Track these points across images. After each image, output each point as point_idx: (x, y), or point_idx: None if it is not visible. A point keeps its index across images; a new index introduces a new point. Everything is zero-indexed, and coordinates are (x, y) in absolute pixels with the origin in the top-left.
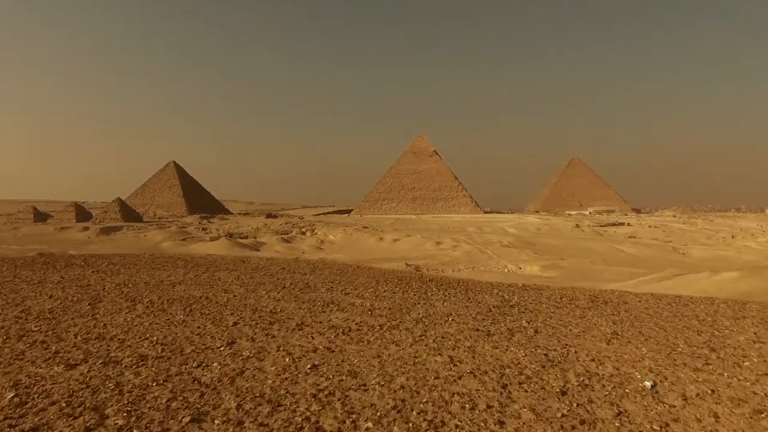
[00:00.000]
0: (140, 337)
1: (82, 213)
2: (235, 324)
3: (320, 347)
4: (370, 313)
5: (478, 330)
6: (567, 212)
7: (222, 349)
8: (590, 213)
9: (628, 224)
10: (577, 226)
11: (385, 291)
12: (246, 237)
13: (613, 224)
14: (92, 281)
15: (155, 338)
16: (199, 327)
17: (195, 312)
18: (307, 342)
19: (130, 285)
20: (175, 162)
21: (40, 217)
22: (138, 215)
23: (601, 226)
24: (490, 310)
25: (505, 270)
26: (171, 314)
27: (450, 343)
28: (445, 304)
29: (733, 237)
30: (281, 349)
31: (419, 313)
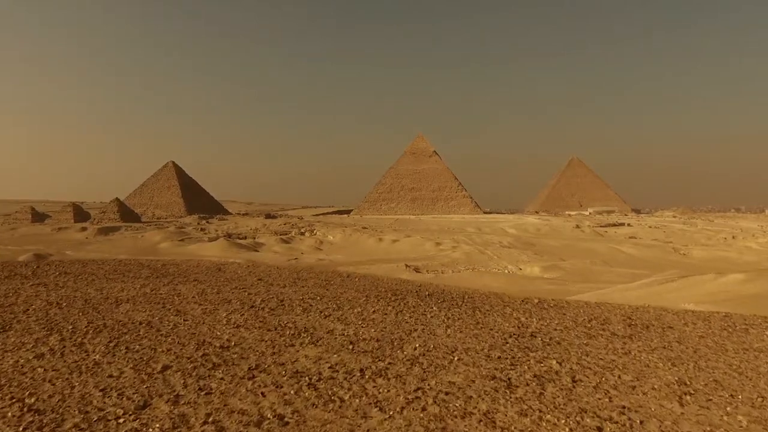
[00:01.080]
0: (13, 397)
1: (80, 213)
2: (164, 369)
3: (269, 415)
4: (351, 347)
5: (494, 378)
6: (567, 213)
7: (123, 419)
8: (590, 213)
9: (628, 225)
10: (577, 226)
11: (374, 311)
12: (245, 237)
13: (613, 225)
14: (21, 298)
15: (35, 398)
16: (112, 375)
17: (120, 347)
18: (253, 403)
19: (65, 304)
20: (173, 162)
21: (38, 217)
22: (136, 215)
23: (601, 226)
24: (506, 342)
25: (506, 271)
26: (86, 352)
27: (458, 404)
28: (449, 331)
29: (733, 238)
30: (211, 419)
31: (415, 348)
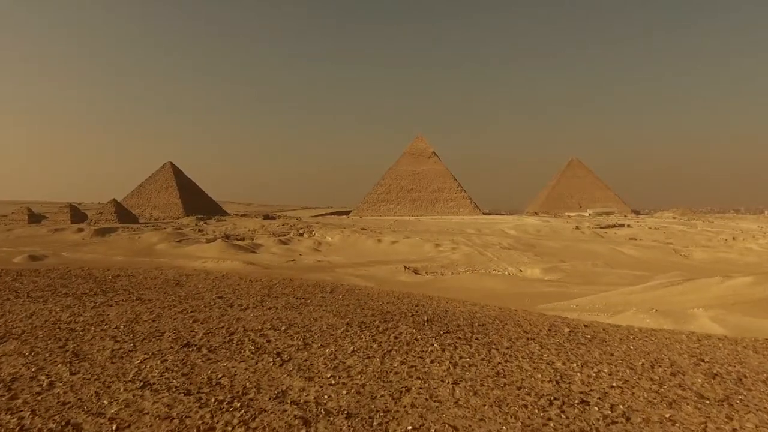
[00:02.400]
0: None
1: (76, 214)
2: None
3: None
4: None
5: None
6: (566, 214)
7: None
8: (590, 214)
9: (628, 226)
10: (577, 227)
11: (353, 350)
12: (243, 239)
13: (613, 226)
14: None
15: None
16: None
17: None
18: None
19: None
20: (171, 163)
21: (35, 218)
22: (134, 216)
23: (601, 227)
24: (548, 417)
25: (506, 273)
26: None
27: None
28: (458, 391)
29: (734, 239)
30: None
31: None
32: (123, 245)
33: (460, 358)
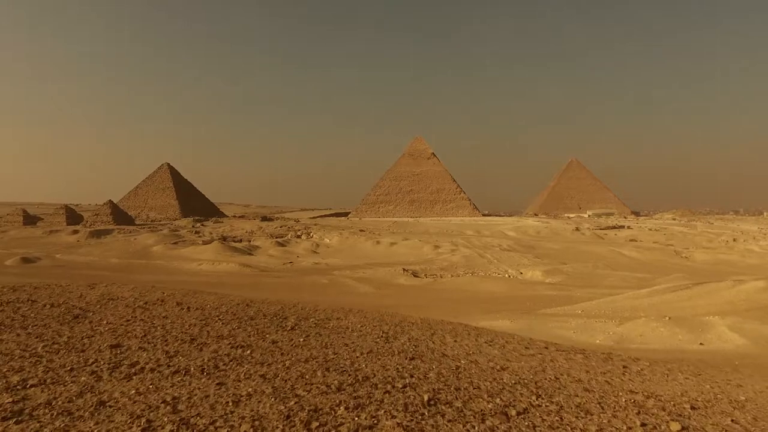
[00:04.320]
0: None
1: (72, 216)
2: None
3: None
4: None
5: None
6: (566, 215)
7: None
8: (589, 216)
9: (628, 227)
10: (577, 229)
11: None
12: (240, 240)
13: (613, 227)
14: None
15: None
16: None
17: None
18: None
19: None
20: (168, 164)
21: (30, 220)
22: (130, 218)
23: (601, 229)
24: None
25: (506, 275)
26: None
27: None
28: None
29: (734, 240)
30: None
31: None
32: (118, 247)
33: None
